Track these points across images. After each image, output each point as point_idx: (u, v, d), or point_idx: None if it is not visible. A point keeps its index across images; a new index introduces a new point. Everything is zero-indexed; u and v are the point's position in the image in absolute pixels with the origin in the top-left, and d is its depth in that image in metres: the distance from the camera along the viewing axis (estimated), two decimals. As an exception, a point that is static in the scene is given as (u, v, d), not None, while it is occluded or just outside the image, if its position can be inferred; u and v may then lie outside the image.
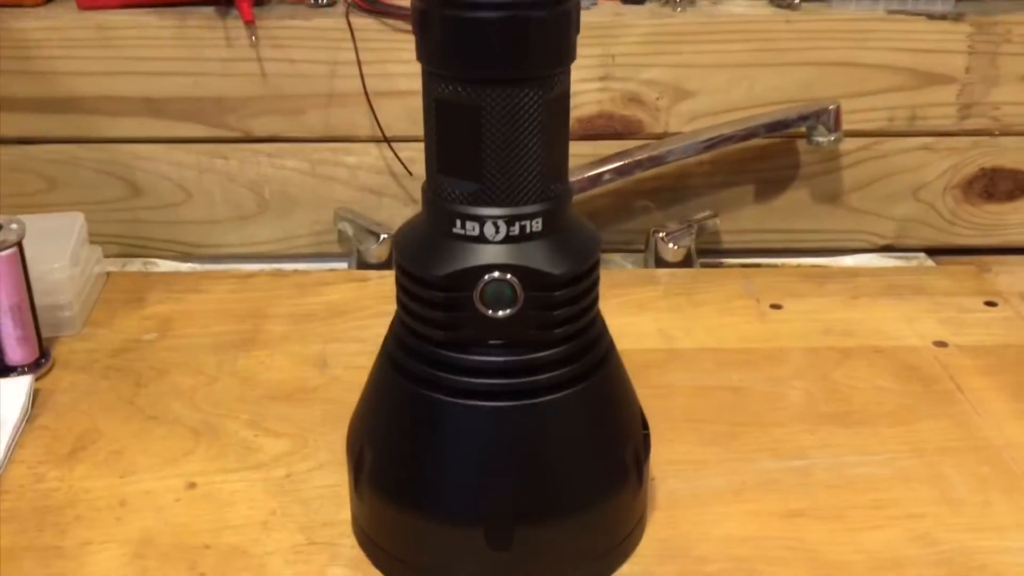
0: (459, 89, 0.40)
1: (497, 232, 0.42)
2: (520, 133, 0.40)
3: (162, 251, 0.80)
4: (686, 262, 0.76)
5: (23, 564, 0.47)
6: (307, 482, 0.53)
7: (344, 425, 0.49)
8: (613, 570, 0.47)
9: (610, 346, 0.47)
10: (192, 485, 0.52)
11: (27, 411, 0.57)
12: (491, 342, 0.43)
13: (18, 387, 0.58)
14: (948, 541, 0.49)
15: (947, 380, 0.61)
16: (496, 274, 0.42)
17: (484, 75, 0.39)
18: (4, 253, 0.58)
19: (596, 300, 0.45)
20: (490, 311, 0.42)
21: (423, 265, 0.43)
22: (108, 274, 0.73)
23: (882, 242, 0.82)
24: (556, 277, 0.42)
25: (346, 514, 0.50)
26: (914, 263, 0.80)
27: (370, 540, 0.47)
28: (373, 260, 0.76)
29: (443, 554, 0.45)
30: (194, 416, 0.58)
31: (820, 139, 0.74)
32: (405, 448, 0.44)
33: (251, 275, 0.74)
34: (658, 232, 0.76)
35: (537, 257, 0.42)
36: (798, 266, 0.80)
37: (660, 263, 0.76)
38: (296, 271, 0.77)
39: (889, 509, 0.51)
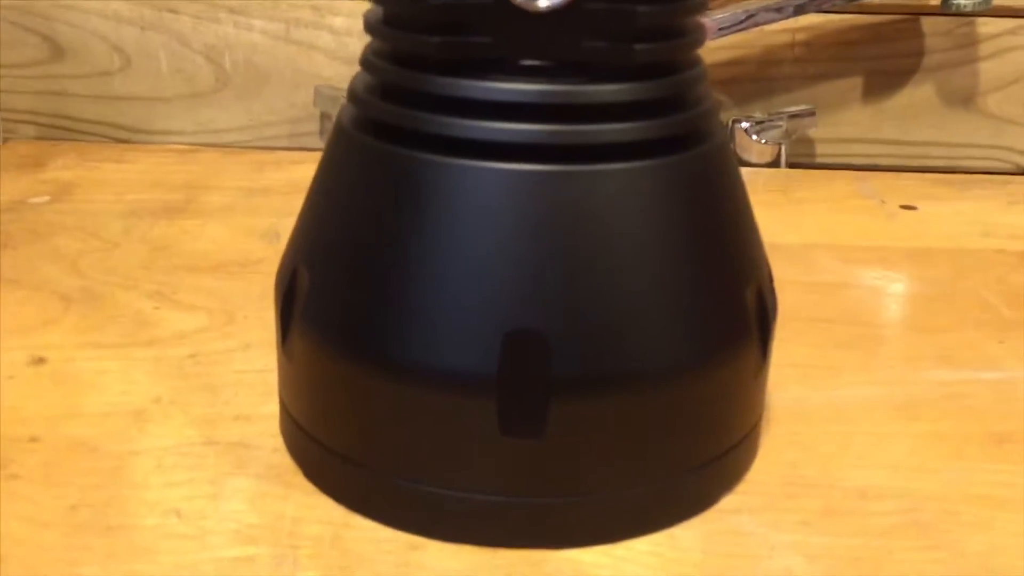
0: None
1: None
2: None
3: (89, 134, 0.62)
4: (774, 166, 0.58)
5: None
6: (221, 364, 0.34)
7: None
8: (711, 501, 0.27)
9: (720, 120, 0.28)
10: (39, 360, 0.33)
11: None
12: (522, 62, 0.24)
13: None
14: None
15: None
16: (537, -76, 0.23)
17: None
18: None
19: (701, 24, 0.27)
20: (523, -2, 0.24)
21: (408, -85, 0.24)
22: (4, 139, 0.55)
23: (1026, 163, 0.63)
24: (644, -59, 0.24)
25: (274, 407, 0.31)
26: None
27: (299, 430, 0.28)
28: (361, 146, 0.58)
29: (419, 446, 0.25)
30: (71, 282, 0.39)
31: (961, 0, 0.55)
32: (364, 252, 0.25)
33: (195, 150, 0.55)
34: (740, 122, 0.57)
35: (611, -97, 0.24)
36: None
37: (741, 164, 0.57)
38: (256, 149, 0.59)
39: None
